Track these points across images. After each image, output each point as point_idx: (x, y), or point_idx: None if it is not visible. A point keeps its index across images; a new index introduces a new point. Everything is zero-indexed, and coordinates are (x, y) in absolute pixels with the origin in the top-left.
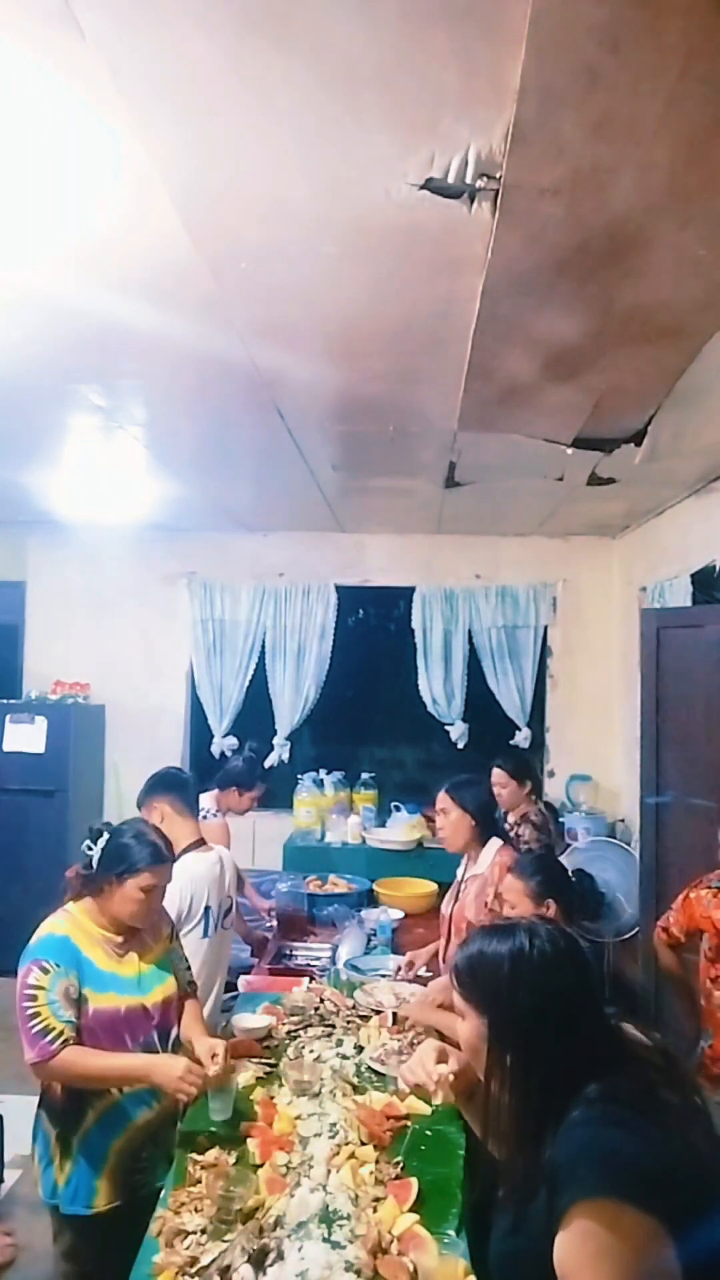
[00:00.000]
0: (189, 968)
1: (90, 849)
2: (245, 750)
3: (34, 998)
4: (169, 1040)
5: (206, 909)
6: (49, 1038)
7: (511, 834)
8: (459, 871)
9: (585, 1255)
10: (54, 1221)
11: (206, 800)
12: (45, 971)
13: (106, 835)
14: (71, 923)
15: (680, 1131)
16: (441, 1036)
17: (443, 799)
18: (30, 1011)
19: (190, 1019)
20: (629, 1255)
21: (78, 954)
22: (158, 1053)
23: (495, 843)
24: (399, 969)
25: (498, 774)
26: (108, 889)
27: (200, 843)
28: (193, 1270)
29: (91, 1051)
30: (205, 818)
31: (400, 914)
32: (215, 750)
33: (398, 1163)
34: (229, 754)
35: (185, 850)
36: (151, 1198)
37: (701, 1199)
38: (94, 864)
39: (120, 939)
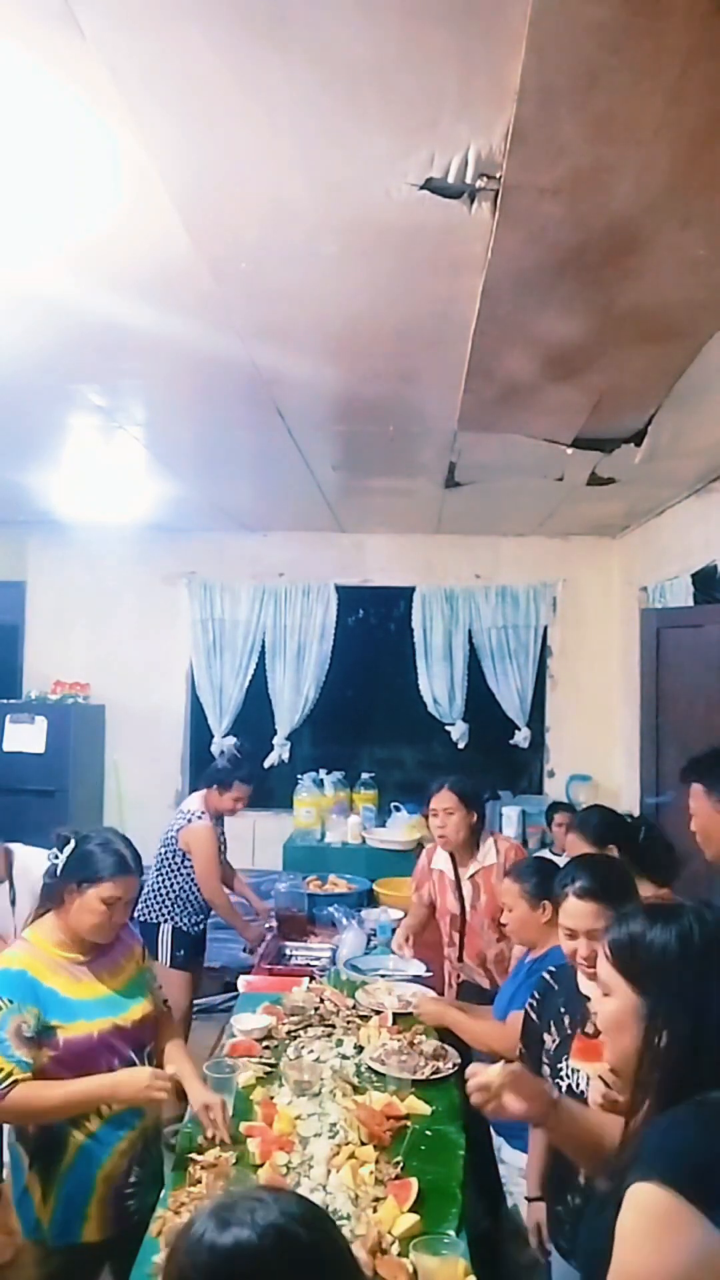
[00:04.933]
0: (160, 986)
1: (56, 856)
2: (231, 749)
3: None
4: (144, 1056)
5: None
6: None
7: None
8: (442, 867)
9: (631, 1231)
10: (37, 1252)
11: (195, 802)
12: None
13: (73, 842)
14: (28, 953)
15: None
16: (451, 1036)
17: (446, 797)
18: None
19: (174, 1050)
20: (671, 1241)
21: (36, 987)
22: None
23: (488, 834)
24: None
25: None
26: (68, 899)
27: None
28: None
29: (47, 1085)
30: (190, 821)
31: (400, 914)
32: (215, 750)
33: (398, 1163)
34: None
35: None
36: (144, 1225)
37: None
38: (58, 871)
39: (84, 960)
